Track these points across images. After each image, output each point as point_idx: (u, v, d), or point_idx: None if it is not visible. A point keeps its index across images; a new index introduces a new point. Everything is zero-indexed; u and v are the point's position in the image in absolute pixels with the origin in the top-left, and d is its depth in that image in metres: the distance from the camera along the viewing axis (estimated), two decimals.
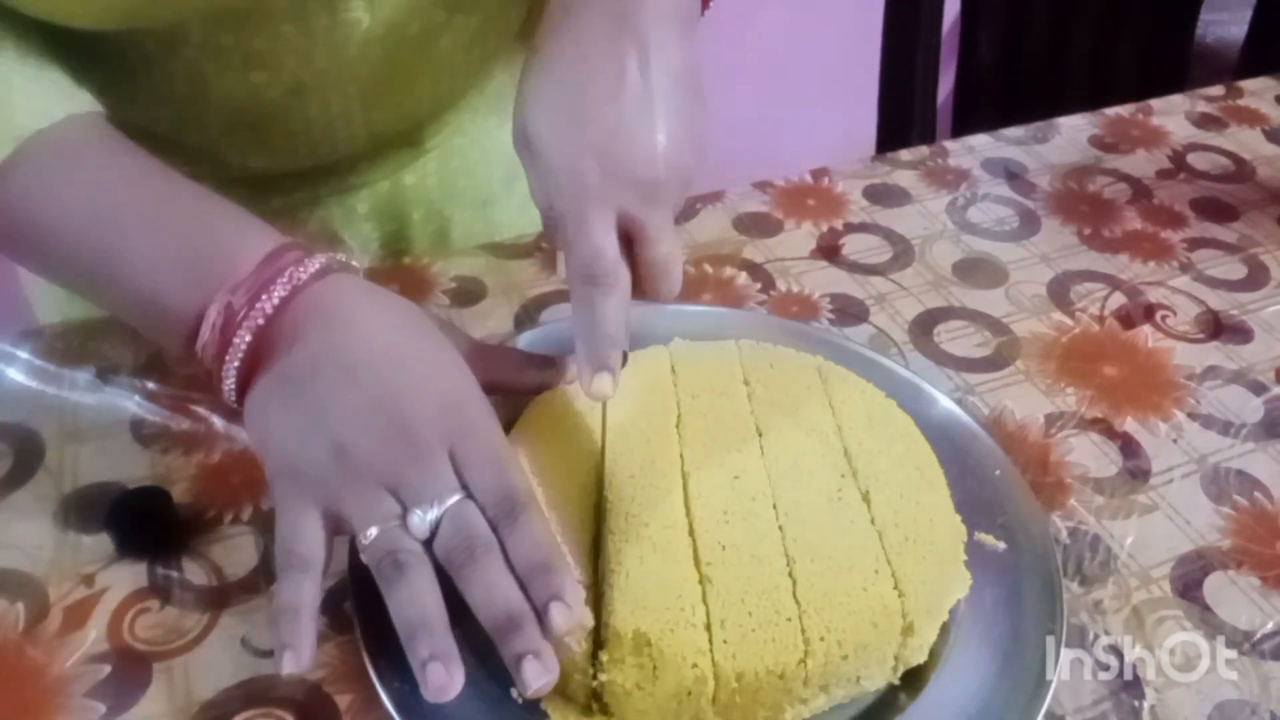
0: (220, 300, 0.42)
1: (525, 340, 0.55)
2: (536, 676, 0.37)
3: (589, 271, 0.42)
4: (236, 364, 0.42)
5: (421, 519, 0.40)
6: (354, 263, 0.46)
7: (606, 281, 0.42)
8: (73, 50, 0.49)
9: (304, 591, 0.39)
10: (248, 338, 0.42)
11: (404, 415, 0.41)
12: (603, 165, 0.42)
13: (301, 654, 0.38)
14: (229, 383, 0.43)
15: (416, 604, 0.38)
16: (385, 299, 0.45)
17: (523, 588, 0.39)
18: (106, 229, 0.44)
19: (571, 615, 0.38)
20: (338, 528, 0.41)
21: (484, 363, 0.46)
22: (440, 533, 0.40)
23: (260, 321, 0.42)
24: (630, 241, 0.43)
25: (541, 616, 0.38)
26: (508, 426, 0.47)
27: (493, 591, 0.38)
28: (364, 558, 0.40)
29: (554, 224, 0.44)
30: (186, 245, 0.44)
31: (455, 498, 0.40)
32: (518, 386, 0.48)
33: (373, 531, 0.39)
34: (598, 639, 0.39)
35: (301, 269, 0.43)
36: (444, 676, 0.37)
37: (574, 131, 0.42)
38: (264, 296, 0.42)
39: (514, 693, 0.40)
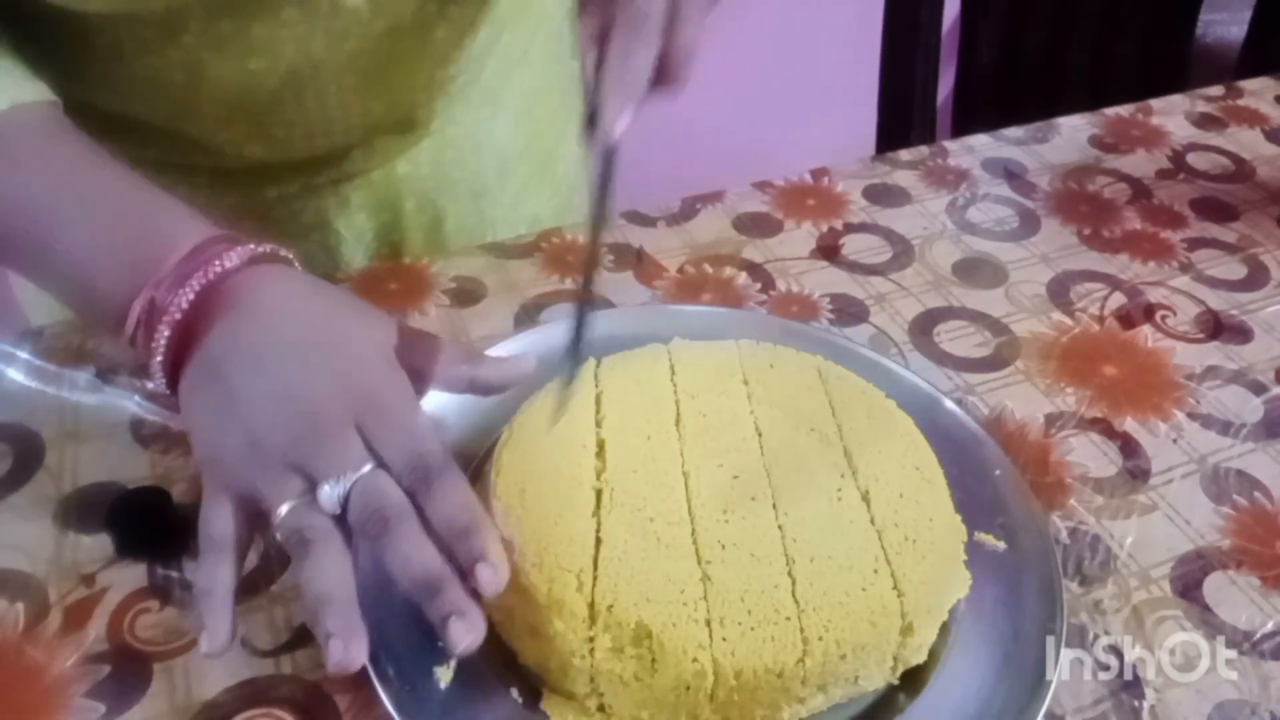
0: (145, 295, 0.42)
1: (524, 341, 0.55)
2: (462, 635, 0.37)
3: (637, 25, 0.43)
4: (159, 359, 0.42)
5: (330, 492, 0.39)
6: (285, 253, 0.46)
7: (651, 34, 0.43)
8: (67, 43, 0.49)
9: (219, 574, 0.39)
10: (166, 332, 0.42)
11: (307, 398, 0.41)
12: None
13: (218, 635, 0.38)
14: (158, 376, 0.43)
15: (320, 578, 0.38)
16: (300, 285, 0.45)
17: (447, 552, 0.39)
18: (42, 217, 0.44)
19: (498, 575, 0.38)
20: (256, 510, 0.41)
21: (408, 350, 0.45)
22: (350, 505, 0.40)
23: (177, 316, 0.42)
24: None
25: (467, 579, 0.38)
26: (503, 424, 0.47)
27: (410, 559, 0.38)
28: (277, 536, 0.40)
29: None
30: (118, 237, 0.44)
31: (365, 468, 0.40)
32: (446, 380, 0.47)
33: (284, 509, 0.40)
34: (594, 623, 0.39)
35: (220, 262, 0.43)
36: (342, 652, 0.37)
37: None
38: (181, 290, 0.42)
39: (514, 693, 0.40)
